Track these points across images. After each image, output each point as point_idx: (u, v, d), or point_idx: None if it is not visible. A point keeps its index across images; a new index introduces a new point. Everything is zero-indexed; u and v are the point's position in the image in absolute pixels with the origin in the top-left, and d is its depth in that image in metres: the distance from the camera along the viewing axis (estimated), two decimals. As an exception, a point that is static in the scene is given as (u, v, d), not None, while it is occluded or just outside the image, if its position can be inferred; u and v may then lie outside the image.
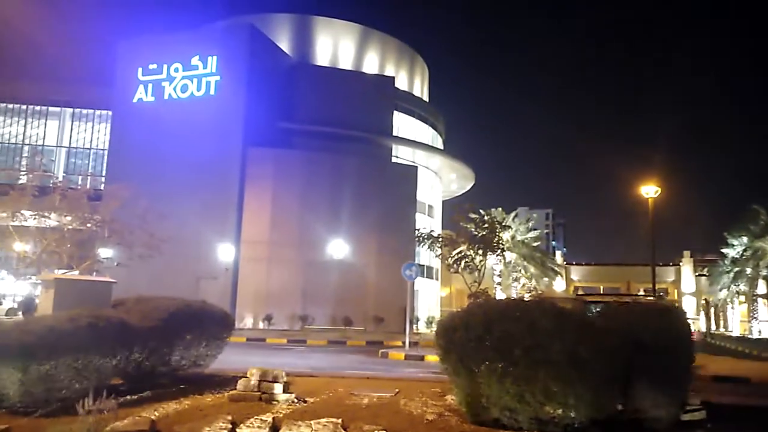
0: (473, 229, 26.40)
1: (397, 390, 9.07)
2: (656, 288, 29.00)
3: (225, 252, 31.64)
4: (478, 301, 15.73)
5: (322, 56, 42.14)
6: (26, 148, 39.88)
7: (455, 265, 26.19)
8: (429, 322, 36.54)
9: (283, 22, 42.16)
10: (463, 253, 25.43)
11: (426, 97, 48.99)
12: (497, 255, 27.86)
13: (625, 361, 6.58)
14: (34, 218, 16.56)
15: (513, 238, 34.73)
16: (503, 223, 30.12)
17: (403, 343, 21.02)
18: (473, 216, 27.64)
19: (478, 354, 6.65)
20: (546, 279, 37.18)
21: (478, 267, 25.40)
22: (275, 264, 32.68)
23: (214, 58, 34.57)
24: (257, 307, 31.24)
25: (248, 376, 8.17)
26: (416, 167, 39.31)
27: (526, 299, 10.99)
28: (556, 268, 39.60)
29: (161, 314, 8.87)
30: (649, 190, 22.38)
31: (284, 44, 40.35)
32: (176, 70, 35.16)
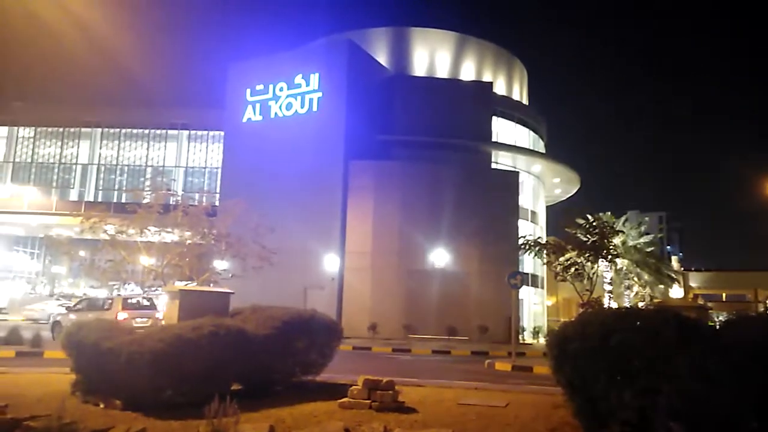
0: (582, 235, 25.31)
1: (507, 401, 8.88)
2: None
3: (330, 262, 32.61)
4: (591, 310, 15.06)
5: (419, 66, 42.46)
6: (149, 169, 43.42)
7: (564, 273, 25.21)
8: (535, 332, 35.47)
9: (380, 35, 42.97)
10: (572, 260, 24.41)
11: (525, 101, 47.87)
12: (608, 261, 26.54)
13: (760, 378, 6.01)
14: (158, 234, 17.96)
15: (624, 243, 32.96)
16: (614, 228, 28.68)
17: (510, 353, 20.52)
18: (581, 221, 26.56)
19: (595, 365, 6.35)
20: (661, 286, 35.00)
21: (590, 275, 24.31)
22: (378, 274, 33.16)
23: (316, 75, 35.87)
24: (362, 316, 31.79)
25: (358, 384, 8.32)
26: (517, 173, 38.43)
27: (641, 308, 10.39)
28: (672, 275, 37.17)
29: (275, 323, 9.25)
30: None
31: (381, 57, 41.09)
32: (281, 89, 36.85)
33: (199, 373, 7.86)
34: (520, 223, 36.29)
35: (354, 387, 8.29)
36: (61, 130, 46.80)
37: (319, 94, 35.64)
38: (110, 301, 21.32)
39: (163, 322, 11.80)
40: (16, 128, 47.23)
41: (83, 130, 46.62)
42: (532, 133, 44.69)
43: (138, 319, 19.33)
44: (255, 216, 19.32)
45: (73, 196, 46.21)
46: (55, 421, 5.51)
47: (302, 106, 36.01)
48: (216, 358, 8.03)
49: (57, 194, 45.94)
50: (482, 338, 30.74)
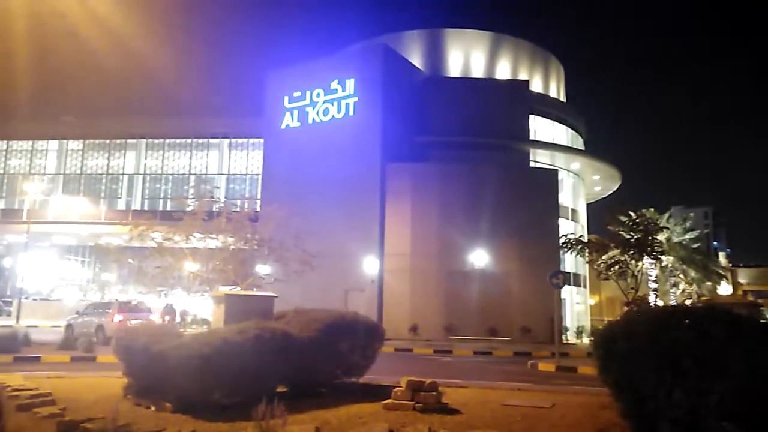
0: (625, 233, 24.74)
1: (552, 402, 8.78)
2: None
3: (370, 265, 32.79)
4: (636, 308, 14.74)
5: (453, 67, 42.32)
6: (192, 177, 44.51)
7: (607, 272, 24.68)
8: (579, 332, 34.85)
9: (415, 38, 43.02)
10: (616, 259, 23.86)
11: (563, 98, 47.16)
12: (652, 259, 25.85)
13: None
14: (203, 240, 18.40)
15: (668, 240, 32.07)
16: (658, 224, 27.94)
17: (553, 353, 20.23)
18: (623, 218, 25.98)
19: (642, 365, 6.23)
20: (709, 283, 33.91)
21: (634, 273, 23.74)
22: (417, 275, 33.16)
23: (352, 80, 36.16)
24: (402, 318, 31.84)
25: (401, 385, 8.34)
26: (556, 171, 37.88)
27: (689, 305, 10.13)
28: (720, 271, 35.99)
29: (318, 325, 9.37)
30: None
31: (416, 59, 41.12)
32: (318, 95, 37.29)
33: (245, 375, 8.01)
34: (561, 221, 35.78)
35: (397, 388, 8.32)
36: (107, 142, 48.42)
37: (355, 99, 35.91)
38: (110, 305, 24.83)
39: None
40: (65, 142, 49.10)
41: (129, 141, 48.12)
42: (570, 130, 44.00)
43: (133, 321, 21.65)
44: (295, 220, 19.59)
45: (121, 205, 47.73)
46: (110, 424, 5.72)
47: (339, 111, 36.35)
48: (261, 361, 8.16)
49: (105, 204, 47.50)
50: (524, 339, 30.39)
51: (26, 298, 42.30)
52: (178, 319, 27.28)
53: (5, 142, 49.19)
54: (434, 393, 8.15)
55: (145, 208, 44.87)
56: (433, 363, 19.30)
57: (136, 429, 6.21)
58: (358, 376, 10.27)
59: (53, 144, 49.50)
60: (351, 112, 35.93)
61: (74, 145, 49.11)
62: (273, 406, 6.15)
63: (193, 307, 32.10)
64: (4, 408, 6.06)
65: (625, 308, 21.42)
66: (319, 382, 9.56)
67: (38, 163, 49.54)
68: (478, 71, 42.49)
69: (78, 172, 48.69)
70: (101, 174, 48.47)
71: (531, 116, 39.56)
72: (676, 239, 32.97)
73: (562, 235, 28.87)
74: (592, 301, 45.16)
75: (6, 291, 45.68)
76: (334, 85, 36.69)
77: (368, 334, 10.26)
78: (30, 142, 49.48)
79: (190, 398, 7.92)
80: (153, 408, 8.08)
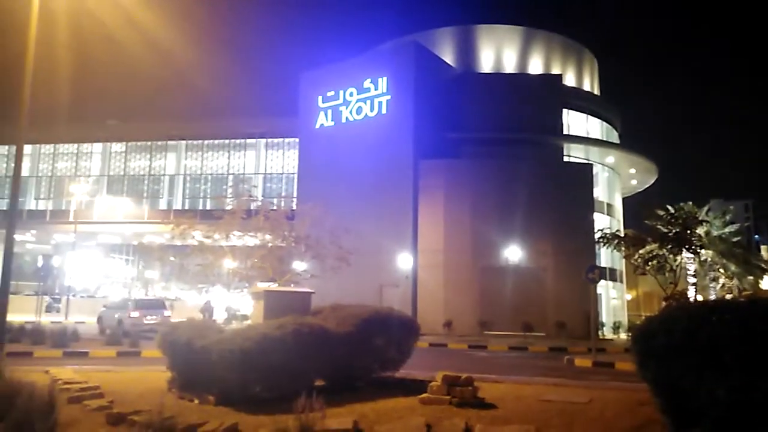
0: (663, 227, 24.24)
1: (589, 398, 8.72)
2: None
3: (403, 261, 32.92)
4: (675, 303, 14.48)
5: (485, 63, 42.00)
6: (230, 177, 45.36)
7: (644, 267, 24.21)
8: (615, 328, 34.29)
9: (446, 35, 42.82)
10: (653, 253, 23.39)
11: (597, 91, 46.32)
12: (691, 253, 25.25)
13: None
14: (241, 238, 18.77)
15: (708, 233, 31.22)
16: (697, 218, 27.25)
17: (589, 349, 19.99)
18: (661, 212, 25.45)
19: (682, 361, 6.15)
20: (750, 278, 32.85)
21: (673, 267, 23.24)
22: (451, 271, 33.12)
23: (384, 78, 36.26)
24: (436, 314, 31.86)
25: (437, 380, 8.40)
26: (591, 165, 37.27)
27: (728, 300, 9.89)
28: (762, 265, 34.80)
29: (355, 320, 9.50)
30: None
31: (448, 56, 40.97)
32: (351, 94, 37.52)
33: (284, 369, 8.19)
34: (596, 216, 35.23)
35: (433, 383, 8.38)
36: (149, 144, 49.72)
37: (388, 97, 36.02)
38: (129, 302, 27.35)
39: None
40: (109, 144, 50.59)
41: (169, 143, 49.31)
42: (605, 124, 43.23)
43: (148, 317, 24.56)
44: (331, 218, 19.82)
45: (162, 205, 48.94)
46: (156, 416, 5.93)
47: (372, 110, 36.50)
48: (300, 355, 8.33)
49: (148, 204, 48.79)
50: (560, 334, 30.08)
51: (74, 296, 43.83)
52: (216, 315, 27.98)
53: (52, 145, 50.94)
54: (470, 388, 8.19)
55: (186, 208, 45.91)
56: (468, 358, 19.29)
57: (181, 421, 6.42)
58: (393, 370, 10.37)
59: (97, 147, 51.05)
60: (384, 110, 36.04)
61: (117, 147, 50.56)
62: (312, 399, 6.28)
63: (232, 303, 32.81)
64: (56, 400, 6.35)
65: (664, 303, 21.03)
66: (356, 377, 9.68)
67: (83, 166, 51.17)
68: (510, 66, 42.07)
69: (121, 173, 50.14)
70: (143, 175, 49.80)
71: (564, 110, 39.03)
72: (715, 233, 32.03)
73: (598, 230, 28.48)
74: (629, 297, 44.38)
75: (55, 289, 47.32)
76: (367, 83, 36.84)
77: (404, 329, 10.35)
78: (75, 145, 51.16)
79: (231, 392, 8.15)
80: (196, 401, 8.33)
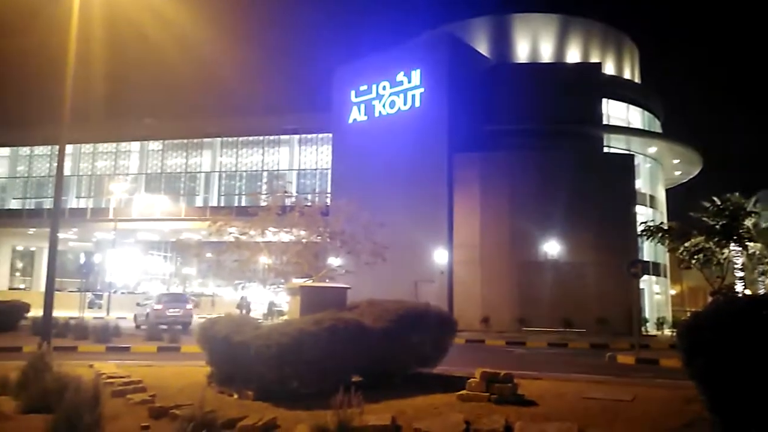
0: (709, 219, 23.43)
1: (633, 395, 8.48)
2: None
3: (439, 256, 32.71)
4: (722, 298, 13.97)
5: (521, 53, 41.29)
6: (265, 173, 45.83)
7: (690, 260, 23.44)
8: (659, 323, 33.41)
9: (480, 25, 42.26)
10: (699, 246, 22.61)
11: (638, 79, 45.06)
12: (739, 246, 24.32)
13: None
14: (277, 234, 18.89)
15: (756, 225, 30.06)
16: (745, 209, 26.24)
17: (632, 345, 19.53)
18: (707, 204, 24.59)
19: (731, 358, 5.92)
20: (801, 272, 31.52)
21: (720, 261, 22.44)
22: (488, 266, 32.76)
23: (418, 71, 36.02)
24: (473, 309, 31.58)
25: (476, 376, 8.29)
26: (632, 155, 36.33)
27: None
28: (814, 258, 33.33)
29: (391, 316, 9.45)
30: None
31: (482, 47, 40.43)
32: (384, 88, 37.39)
33: (321, 365, 8.19)
34: (638, 208, 34.35)
35: (472, 379, 8.28)
36: (185, 141, 50.63)
37: (421, 90, 35.76)
38: (154, 296, 29.54)
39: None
40: (147, 143, 51.73)
41: (205, 140, 50.12)
42: (646, 113, 42.03)
43: (170, 310, 26.21)
44: (365, 213, 19.76)
45: (199, 202, 49.84)
46: (197, 410, 6.00)
47: (405, 103, 36.31)
48: (336, 351, 8.32)
49: (184, 201, 49.70)
50: (601, 330, 29.44)
51: (114, 292, 45.04)
52: (252, 311, 28.41)
53: (92, 145, 52.33)
54: (509, 384, 8.06)
55: (222, 204, 46.69)
56: (506, 354, 19.08)
57: (221, 416, 6.48)
58: (431, 366, 10.29)
59: (135, 145, 52.25)
60: (417, 104, 35.81)
61: (154, 145, 51.64)
62: (350, 395, 6.26)
63: (273, 299, 33.15)
64: (101, 394, 6.49)
65: (711, 298, 20.35)
66: (393, 373, 9.62)
67: (122, 164, 52.48)
68: (547, 56, 41.27)
69: (159, 171, 51.21)
70: (180, 172, 50.77)
71: (604, 100, 38.08)
72: (764, 224, 30.87)
73: (641, 223, 27.69)
74: (673, 291, 43.20)
75: (96, 285, 48.71)
76: (400, 77, 36.66)
77: (440, 325, 10.26)
78: (114, 144, 52.44)
79: (269, 387, 8.21)
80: (235, 396, 8.43)
